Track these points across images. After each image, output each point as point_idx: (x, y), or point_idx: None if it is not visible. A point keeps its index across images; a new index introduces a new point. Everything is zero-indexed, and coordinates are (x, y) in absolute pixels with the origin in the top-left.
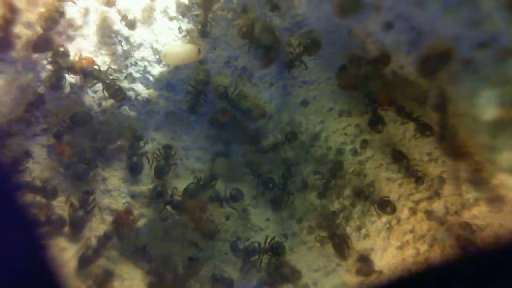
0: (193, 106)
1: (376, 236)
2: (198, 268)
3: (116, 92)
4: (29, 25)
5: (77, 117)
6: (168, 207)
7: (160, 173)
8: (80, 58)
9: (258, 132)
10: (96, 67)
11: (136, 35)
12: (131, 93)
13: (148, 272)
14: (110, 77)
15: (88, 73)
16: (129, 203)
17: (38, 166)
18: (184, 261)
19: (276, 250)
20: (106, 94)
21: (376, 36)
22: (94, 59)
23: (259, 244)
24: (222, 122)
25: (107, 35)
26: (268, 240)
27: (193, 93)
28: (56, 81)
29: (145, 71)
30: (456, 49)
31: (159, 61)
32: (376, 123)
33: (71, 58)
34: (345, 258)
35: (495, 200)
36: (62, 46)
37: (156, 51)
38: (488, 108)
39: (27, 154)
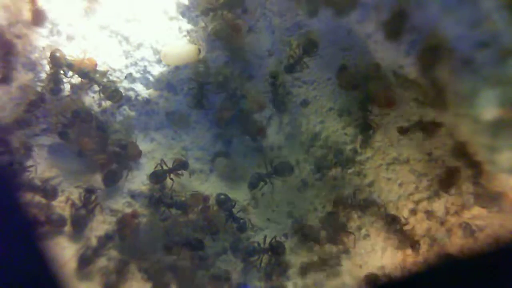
0: (199, 100)
1: (376, 236)
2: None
3: (112, 94)
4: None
5: (79, 114)
6: (173, 209)
7: (157, 179)
8: (83, 58)
9: (263, 124)
10: (96, 68)
11: (136, 35)
12: (131, 93)
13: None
14: (108, 78)
15: (84, 75)
16: (129, 203)
17: (38, 166)
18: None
19: (276, 249)
20: (102, 96)
21: (376, 37)
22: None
23: (259, 244)
24: (227, 118)
25: (107, 35)
26: (268, 240)
27: (196, 87)
28: (54, 86)
29: (145, 71)
30: (450, 43)
31: (159, 61)
32: (366, 129)
33: (73, 57)
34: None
35: (495, 200)
36: (59, 50)
37: (156, 51)
38: (488, 108)
39: (29, 153)
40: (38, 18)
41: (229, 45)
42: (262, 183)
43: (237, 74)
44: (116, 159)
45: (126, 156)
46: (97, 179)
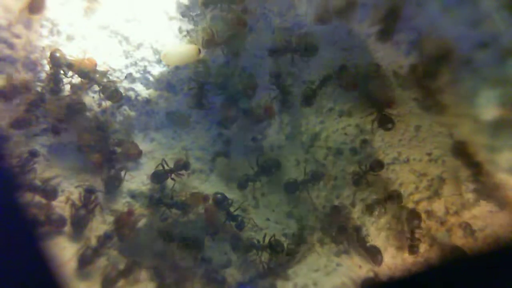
0: (199, 100)
1: (376, 236)
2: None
3: (112, 94)
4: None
5: (73, 107)
6: (174, 210)
7: (158, 179)
8: (84, 58)
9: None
10: (96, 68)
11: (136, 35)
12: (131, 93)
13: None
14: (108, 78)
15: (84, 75)
16: (129, 203)
17: (38, 166)
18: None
19: (274, 247)
20: (102, 96)
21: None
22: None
23: (258, 241)
24: (231, 116)
25: (107, 35)
26: (267, 238)
27: (196, 87)
28: (54, 85)
29: (145, 71)
30: (456, 49)
31: (159, 61)
32: (386, 121)
33: (73, 57)
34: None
35: (495, 199)
36: (59, 50)
37: (156, 51)
38: (488, 108)
39: (33, 154)
40: (36, 5)
41: (230, 44)
42: (251, 183)
43: (237, 74)
44: (111, 159)
45: (122, 156)
46: (97, 179)
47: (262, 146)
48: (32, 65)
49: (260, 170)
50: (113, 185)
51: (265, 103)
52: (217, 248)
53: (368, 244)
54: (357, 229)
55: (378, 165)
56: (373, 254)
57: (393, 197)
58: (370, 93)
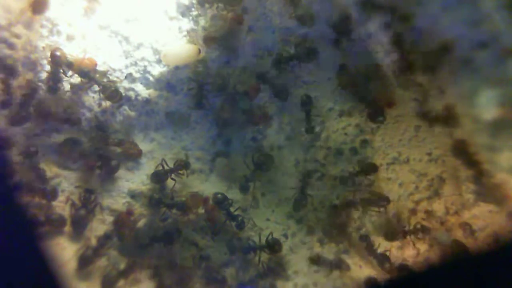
0: (198, 100)
1: (376, 236)
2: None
3: (112, 94)
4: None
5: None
6: (174, 210)
7: (158, 179)
8: (84, 57)
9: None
10: (96, 67)
11: (136, 35)
12: (131, 93)
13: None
14: (108, 78)
15: (84, 74)
16: (129, 203)
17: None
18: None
19: (272, 246)
20: (102, 96)
21: (377, 36)
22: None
23: (254, 242)
24: (226, 117)
25: (107, 35)
26: (264, 237)
27: (195, 88)
28: (53, 84)
29: (145, 71)
30: (454, 45)
31: (159, 61)
32: (376, 115)
33: (73, 57)
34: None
35: (496, 199)
36: (59, 49)
37: (156, 51)
38: (488, 108)
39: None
40: (39, 5)
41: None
42: (251, 183)
43: (237, 74)
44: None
45: (122, 156)
46: (97, 179)
47: (262, 146)
48: (32, 65)
49: (255, 168)
50: (110, 171)
51: (262, 108)
52: (217, 248)
53: (378, 252)
54: (366, 238)
55: (372, 169)
56: (382, 262)
57: (381, 200)
58: (370, 93)
